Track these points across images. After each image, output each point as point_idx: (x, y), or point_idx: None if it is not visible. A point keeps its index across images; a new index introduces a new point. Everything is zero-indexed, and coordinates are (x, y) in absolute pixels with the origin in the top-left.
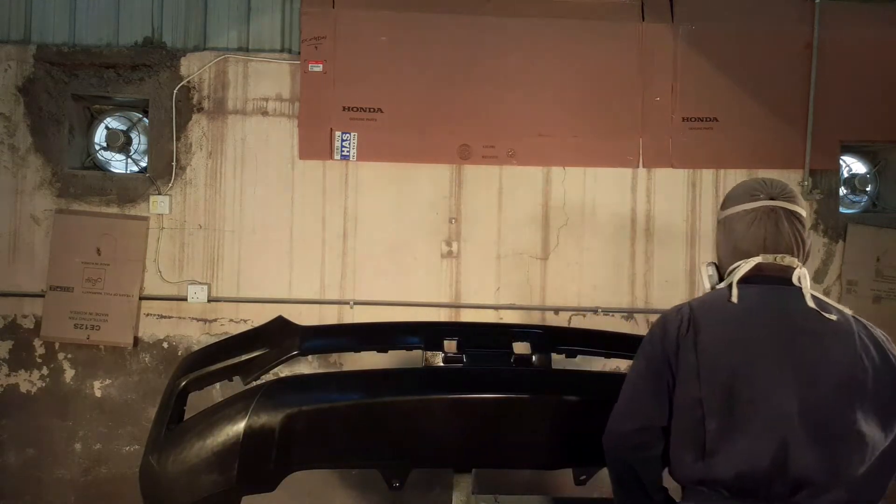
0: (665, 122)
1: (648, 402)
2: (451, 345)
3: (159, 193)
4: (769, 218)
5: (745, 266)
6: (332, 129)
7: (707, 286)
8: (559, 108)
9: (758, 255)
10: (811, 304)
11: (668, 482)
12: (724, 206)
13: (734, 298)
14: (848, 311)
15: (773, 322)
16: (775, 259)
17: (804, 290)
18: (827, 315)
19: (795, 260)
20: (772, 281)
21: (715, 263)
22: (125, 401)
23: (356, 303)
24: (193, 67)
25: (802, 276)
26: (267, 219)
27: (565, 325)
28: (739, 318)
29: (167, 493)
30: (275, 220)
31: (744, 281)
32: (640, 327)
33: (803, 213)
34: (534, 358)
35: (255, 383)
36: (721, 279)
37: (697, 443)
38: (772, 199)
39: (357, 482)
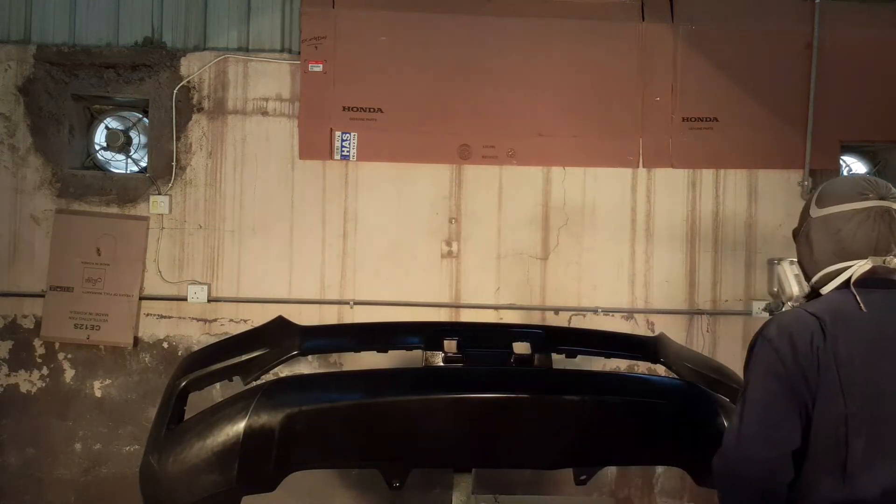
0: (665, 122)
1: (788, 425)
2: (451, 345)
3: (159, 193)
4: (882, 219)
5: (860, 268)
6: (332, 129)
7: (795, 287)
8: (559, 108)
9: (866, 257)
10: None
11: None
12: (822, 203)
13: (864, 306)
14: None
15: None
16: (884, 261)
17: None
18: None
19: None
20: (882, 285)
21: (796, 262)
22: (125, 401)
23: (356, 303)
24: (193, 67)
25: None
26: (267, 219)
27: (565, 325)
28: (872, 326)
29: (167, 493)
30: (275, 221)
31: (856, 285)
32: (640, 327)
33: None
34: (534, 358)
35: (255, 383)
36: (807, 279)
37: (838, 463)
38: (882, 199)
39: (357, 482)
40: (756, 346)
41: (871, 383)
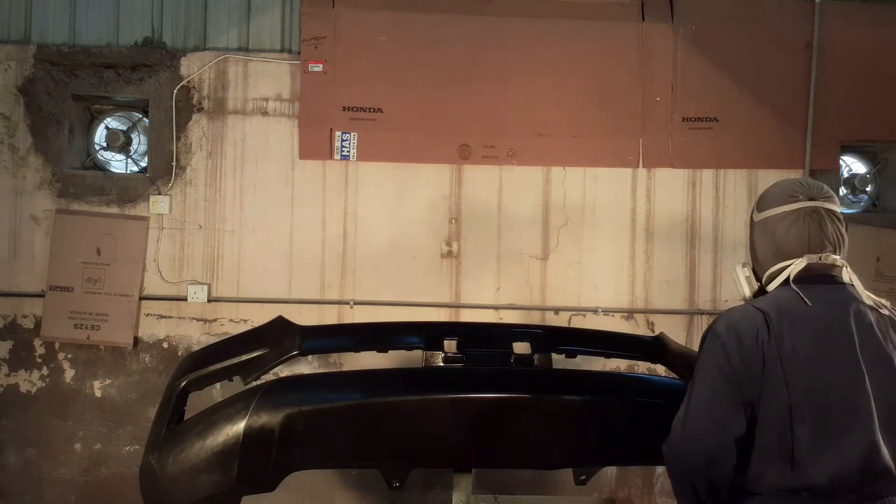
0: (665, 122)
1: (732, 418)
2: (451, 345)
3: (159, 193)
4: (811, 218)
5: (796, 266)
6: (332, 129)
7: (746, 288)
8: (559, 108)
9: (801, 256)
10: (868, 300)
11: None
12: (760, 208)
13: (807, 300)
14: (887, 304)
15: (843, 321)
16: (820, 258)
17: (857, 287)
18: (882, 310)
19: (838, 258)
20: (821, 280)
21: (748, 265)
22: (125, 401)
23: (356, 303)
24: (193, 67)
25: (851, 273)
26: (267, 219)
27: (565, 325)
28: (815, 319)
29: (167, 493)
30: (275, 220)
31: (796, 282)
32: (640, 327)
33: (840, 211)
34: (534, 358)
35: (255, 383)
36: (759, 280)
37: (785, 452)
38: (812, 199)
39: (357, 482)
40: (706, 341)
41: (815, 374)
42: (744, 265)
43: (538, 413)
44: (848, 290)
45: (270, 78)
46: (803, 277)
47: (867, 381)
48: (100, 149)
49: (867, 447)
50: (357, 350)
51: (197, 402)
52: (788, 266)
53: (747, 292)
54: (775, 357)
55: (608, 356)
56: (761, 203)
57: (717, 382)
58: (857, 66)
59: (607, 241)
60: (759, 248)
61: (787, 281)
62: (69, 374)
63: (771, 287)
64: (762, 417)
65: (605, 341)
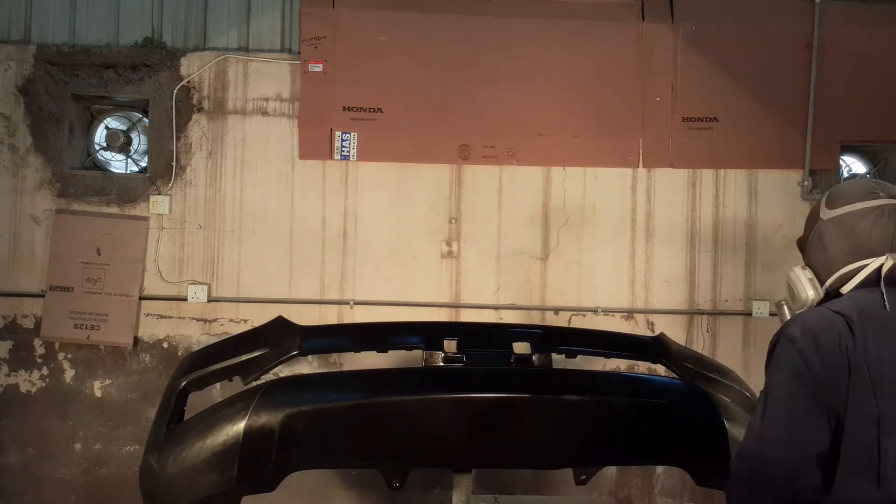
0: (665, 122)
1: (814, 427)
2: (451, 345)
3: (159, 193)
4: (894, 216)
5: (884, 265)
6: (332, 129)
7: (810, 291)
8: (559, 108)
9: (884, 254)
10: None
11: None
12: (832, 205)
13: (888, 305)
14: None
15: None
16: None
17: None
18: None
19: None
20: None
21: (808, 266)
22: (125, 401)
23: (356, 303)
24: (193, 67)
25: None
26: (267, 219)
27: (565, 325)
28: None
29: (167, 493)
30: (275, 221)
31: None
32: (640, 327)
33: None
34: (534, 358)
35: (255, 383)
36: (821, 282)
37: (871, 465)
38: (892, 197)
39: (357, 482)
40: (778, 346)
41: None
42: (803, 267)
43: (538, 413)
44: None
45: (270, 78)
46: (884, 279)
47: None
48: (100, 149)
49: None
50: (357, 350)
51: (197, 402)
52: (867, 265)
53: (811, 295)
54: (862, 364)
55: (608, 356)
56: (833, 200)
57: (795, 389)
58: (857, 66)
59: (607, 241)
60: (830, 246)
61: (865, 283)
62: (69, 374)
63: (846, 288)
64: (848, 428)
65: (605, 341)
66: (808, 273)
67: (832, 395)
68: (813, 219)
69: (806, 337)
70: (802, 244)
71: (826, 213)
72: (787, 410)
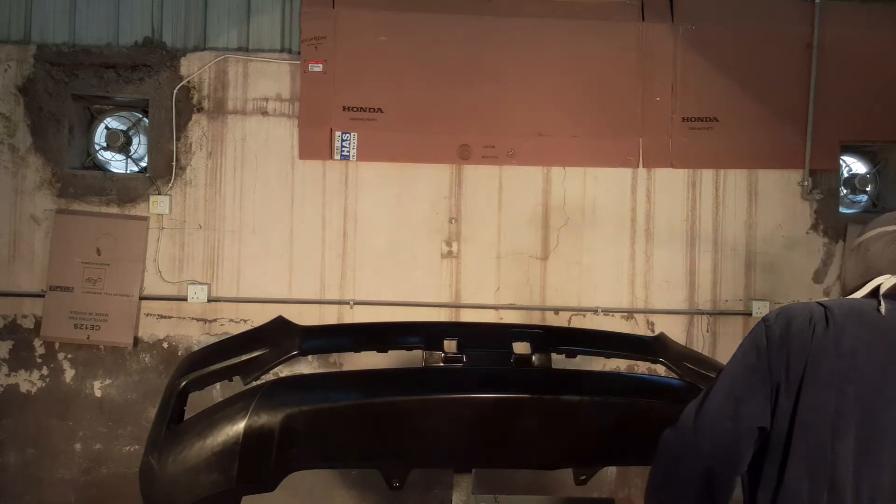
0: (665, 122)
1: (755, 400)
2: (451, 345)
3: (159, 193)
4: None
5: (886, 281)
6: (332, 129)
7: None
8: (559, 108)
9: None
10: None
11: None
12: (861, 233)
13: (882, 309)
14: None
15: None
16: None
17: None
18: None
19: None
20: None
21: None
22: (125, 401)
23: (356, 303)
24: (193, 67)
25: None
26: (267, 219)
27: (565, 325)
28: (889, 330)
29: (167, 493)
30: (275, 220)
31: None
32: (640, 327)
33: None
34: (534, 358)
35: (255, 383)
36: None
37: (823, 468)
38: None
39: (357, 482)
40: (755, 326)
41: (870, 385)
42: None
43: (538, 413)
44: None
45: (270, 78)
46: (887, 294)
47: None
48: (100, 149)
49: None
50: (357, 350)
51: (197, 402)
52: (872, 283)
53: None
54: (828, 352)
55: (608, 356)
56: (863, 230)
57: (749, 359)
58: (857, 66)
59: (607, 241)
60: (848, 271)
61: (868, 294)
62: (69, 374)
63: (858, 295)
64: (800, 419)
65: (605, 341)
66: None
67: (783, 373)
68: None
69: (779, 318)
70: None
71: (853, 242)
72: (733, 380)
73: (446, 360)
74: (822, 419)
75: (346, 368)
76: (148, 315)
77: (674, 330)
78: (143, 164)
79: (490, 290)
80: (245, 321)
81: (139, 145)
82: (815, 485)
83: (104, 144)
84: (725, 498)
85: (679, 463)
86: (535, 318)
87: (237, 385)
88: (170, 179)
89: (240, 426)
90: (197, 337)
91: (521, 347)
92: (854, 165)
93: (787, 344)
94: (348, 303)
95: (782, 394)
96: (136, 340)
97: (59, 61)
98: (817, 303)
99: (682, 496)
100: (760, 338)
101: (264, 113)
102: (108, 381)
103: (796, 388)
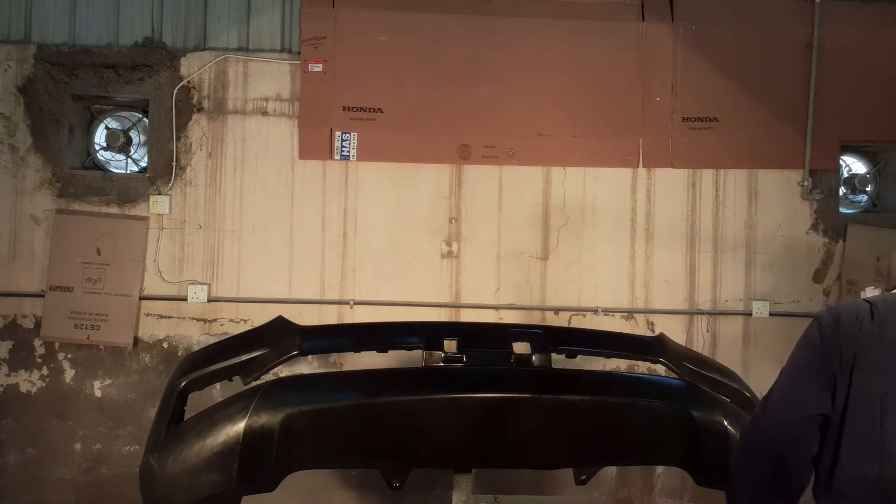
0: (665, 122)
1: (815, 390)
2: (450, 345)
3: (159, 193)
4: None
5: None
6: (332, 129)
7: (868, 293)
8: (559, 108)
9: None
10: None
11: None
12: None
13: None
14: None
15: None
16: None
17: None
18: None
19: None
20: None
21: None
22: (125, 401)
23: (356, 303)
24: (193, 67)
25: None
26: (267, 219)
27: (565, 325)
28: None
29: (167, 493)
30: (275, 220)
31: None
32: (640, 327)
33: None
34: (534, 358)
35: (255, 383)
36: None
37: (874, 443)
38: None
39: (357, 482)
40: (808, 326)
41: None
42: (874, 288)
43: (538, 413)
44: None
45: (270, 78)
46: None
47: None
48: (100, 149)
49: None
50: (357, 350)
51: (197, 402)
52: None
53: (868, 293)
54: (874, 342)
55: (608, 356)
56: None
57: (805, 355)
58: (857, 66)
59: (607, 241)
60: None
61: None
62: (69, 374)
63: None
64: (853, 402)
65: (605, 341)
66: (877, 290)
67: (837, 364)
68: None
69: (830, 316)
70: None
71: None
72: (794, 375)
73: (446, 360)
74: (871, 401)
75: (346, 368)
76: (148, 315)
77: (674, 330)
78: (143, 164)
79: (490, 290)
80: (245, 321)
81: (139, 145)
82: (868, 458)
83: (104, 144)
84: (801, 483)
85: (753, 455)
86: (535, 318)
87: (237, 385)
88: (170, 179)
89: (240, 426)
90: (197, 337)
91: (521, 347)
92: (854, 165)
93: (838, 338)
94: (348, 303)
95: (838, 382)
96: (136, 340)
97: (59, 61)
98: (864, 300)
99: (760, 485)
100: (814, 335)
101: (264, 113)
102: (108, 381)
103: (849, 375)
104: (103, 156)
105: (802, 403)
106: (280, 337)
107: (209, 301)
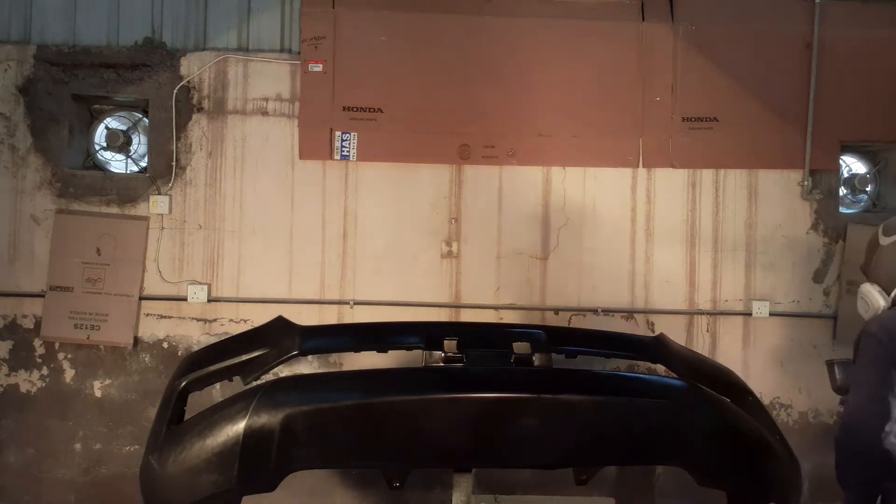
0: (665, 122)
1: (889, 383)
2: (451, 345)
3: (159, 193)
4: None
5: None
6: (332, 129)
7: (881, 300)
8: (559, 108)
9: None
10: None
11: None
12: (888, 233)
13: None
14: None
15: None
16: None
17: None
18: None
19: None
20: None
21: (875, 283)
22: (125, 401)
23: (356, 303)
24: (193, 67)
25: None
26: (267, 219)
27: (565, 325)
28: None
29: (167, 493)
30: (275, 220)
31: None
32: (640, 327)
33: None
34: (534, 358)
35: (255, 383)
36: (888, 293)
37: None
38: None
39: (357, 482)
40: (861, 341)
41: None
42: (871, 283)
43: (538, 413)
44: None
45: (270, 78)
46: None
47: None
48: (100, 149)
49: None
50: (357, 350)
51: (197, 402)
52: None
53: (882, 303)
54: None
55: (608, 356)
56: (889, 229)
57: (874, 365)
58: (857, 66)
59: (607, 240)
60: (891, 264)
61: None
62: (69, 374)
63: None
64: None
65: (605, 341)
66: (877, 287)
67: None
68: (873, 246)
69: (882, 330)
70: (866, 267)
71: (885, 240)
72: (869, 380)
73: (446, 360)
74: None
75: (346, 368)
76: (148, 315)
77: (674, 330)
78: (143, 164)
79: (490, 290)
80: (245, 321)
81: (139, 145)
82: None
83: (104, 144)
84: None
85: (851, 457)
86: (535, 318)
87: (237, 385)
88: (170, 179)
89: (240, 426)
90: (197, 337)
91: (521, 347)
92: (854, 165)
93: (894, 342)
94: (348, 303)
95: None
96: (136, 340)
97: (59, 61)
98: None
99: (867, 487)
100: (872, 346)
101: (264, 113)
102: (108, 381)
103: None
104: (103, 156)
105: (881, 397)
106: (280, 337)
107: (209, 301)
